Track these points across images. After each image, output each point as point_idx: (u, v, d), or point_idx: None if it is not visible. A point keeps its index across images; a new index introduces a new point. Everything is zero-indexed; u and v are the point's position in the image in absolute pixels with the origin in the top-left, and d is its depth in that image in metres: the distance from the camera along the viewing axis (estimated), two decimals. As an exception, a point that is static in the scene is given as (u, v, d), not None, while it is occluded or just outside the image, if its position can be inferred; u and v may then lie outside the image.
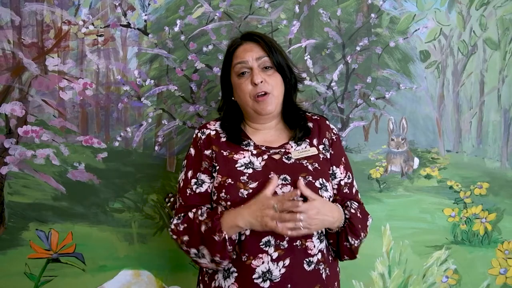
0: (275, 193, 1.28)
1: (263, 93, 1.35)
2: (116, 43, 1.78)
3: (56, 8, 1.74)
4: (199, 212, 1.32)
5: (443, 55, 1.91)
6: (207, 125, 1.45)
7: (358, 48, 1.86)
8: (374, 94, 1.89)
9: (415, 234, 1.92)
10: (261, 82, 1.35)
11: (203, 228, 1.28)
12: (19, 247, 1.77)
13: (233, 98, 1.43)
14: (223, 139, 1.40)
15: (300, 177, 1.29)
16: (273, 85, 1.37)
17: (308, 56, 1.86)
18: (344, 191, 1.43)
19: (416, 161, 1.93)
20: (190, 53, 1.80)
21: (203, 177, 1.37)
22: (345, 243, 1.35)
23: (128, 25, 1.78)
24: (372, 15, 1.86)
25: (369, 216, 1.45)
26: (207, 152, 1.38)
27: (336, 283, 1.39)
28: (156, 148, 1.82)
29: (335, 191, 1.42)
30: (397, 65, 1.89)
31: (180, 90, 1.81)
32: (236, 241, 1.28)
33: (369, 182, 1.91)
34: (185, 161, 1.43)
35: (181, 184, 1.40)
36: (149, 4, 1.78)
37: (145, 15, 1.78)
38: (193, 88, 1.82)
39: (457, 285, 1.95)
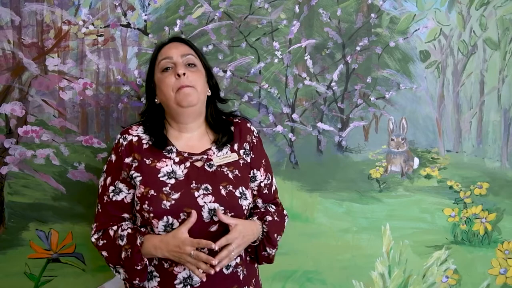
0: (198, 206, 1.30)
1: (186, 85, 1.35)
2: (116, 43, 1.78)
3: (56, 8, 1.74)
4: (119, 232, 1.35)
5: (443, 55, 1.91)
6: (129, 130, 1.44)
7: (358, 48, 1.86)
8: (374, 94, 1.89)
9: (415, 234, 1.92)
10: (184, 74, 1.35)
11: (123, 254, 1.32)
12: (19, 247, 1.77)
13: (156, 100, 1.43)
14: (145, 146, 1.39)
15: (218, 207, 1.31)
16: (196, 80, 1.38)
17: (308, 56, 1.86)
18: (264, 192, 1.49)
19: (416, 161, 1.93)
20: (190, 53, 1.80)
21: (121, 186, 1.38)
22: (263, 253, 1.42)
23: (128, 25, 1.78)
24: (372, 15, 1.86)
25: (286, 216, 1.53)
26: (128, 160, 1.38)
27: (253, 280, 1.45)
28: (156, 148, 1.82)
29: (255, 192, 1.47)
30: (397, 65, 1.89)
31: (180, 90, 1.81)
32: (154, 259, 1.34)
33: (369, 182, 1.91)
34: (105, 166, 1.43)
35: (100, 190, 1.42)
36: (149, 4, 1.78)
37: (145, 15, 1.78)
38: (193, 88, 1.82)
39: (457, 285, 1.95)
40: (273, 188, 1.53)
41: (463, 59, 1.91)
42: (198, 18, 1.80)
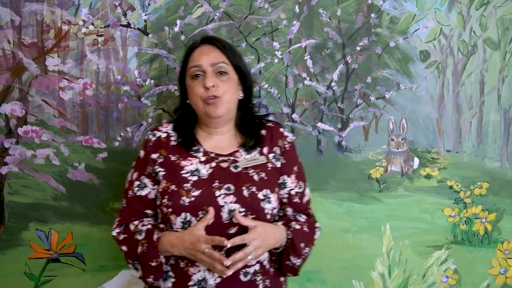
0: (218, 206, 1.28)
1: (213, 96, 1.34)
2: (116, 43, 1.78)
3: (56, 8, 1.74)
4: (139, 227, 1.35)
5: (443, 55, 1.91)
6: (159, 127, 1.45)
7: (358, 48, 1.86)
8: (374, 94, 1.89)
9: (415, 234, 1.92)
10: (213, 86, 1.33)
11: (139, 249, 1.31)
12: (19, 247, 1.77)
13: (187, 101, 1.42)
14: (173, 143, 1.40)
15: (237, 209, 1.28)
16: (224, 90, 1.36)
17: (308, 56, 1.86)
18: (295, 200, 1.43)
19: (416, 161, 1.93)
20: (190, 53, 1.80)
21: (146, 181, 1.39)
22: (287, 262, 1.36)
23: (128, 25, 1.78)
24: (372, 15, 1.86)
25: (317, 229, 1.47)
26: (154, 155, 1.39)
27: None
28: (156, 148, 1.82)
29: (285, 200, 1.42)
30: (397, 65, 1.89)
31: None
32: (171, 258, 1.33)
33: (369, 182, 1.91)
34: (134, 162, 1.44)
35: (126, 185, 1.43)
36: (149, 4, 1.78)
37: (145, 15, 1.78)
38: (193, 88, 1.82)
39: (457, 285, 1.95)
40: (306, 198, 1.47)
41: (463, 59, 1.91)
42: (198, 18, 1.80)
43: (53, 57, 1.75)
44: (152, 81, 1.80)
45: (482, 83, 1.93)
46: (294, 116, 1.87)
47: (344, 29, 1.86)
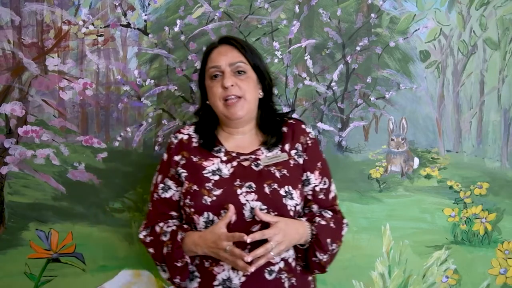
0: (240, 204, 1.28)
1: (233, 97, 1.34)
2: (116, 43, 1.78)
3: (56, 8, 1.74)
4: (164, 228, 1.36)
5: (443, 55, 1.91)
6: (182, 129, 1.46)
7: (358, 48, 1.86)
8: (374, 94, 1.89)
9: (415, 234, 1.92)
10: (232, 85, 1.34)
11: (164, 250, 1.32)
12: (19, 247, 1.77)
13: (207, 102, 1.43)
14: (195, 144, 1.41)
15: (257, 206, 1.27)
16: (245, 90, 1.36)
17: (308, 56, 1.86)
18: (320, 197, 1.42)
19: (416, 161, 1.93)
20: (190, 53, 1.80)
21: (170, 183, 1.40)
22: (313, 259, 1.34)
23: (128, 25, 1.78)
24: (372, 15, 1.86)
25: (345, 225, 1.44)
26: (177, 157, 1.40)
27: None
28: (156, 148, 1.82)
29: (310, 197, 1.41)
30: (397, 65, 1.89)
31: (180, 90, 1.81)
32: (196, 258, 1.33)
33: (369, 182, 1.91)
34: (159, 165, 1.46)
35: (152, 188, 1.45)
36: (149, 4, 1.78)
37: (145, 15, 1.78)
38: (193, 88, 1.82)
39: (457, 285, 1.95)
40: (332, 194, 1.45)
41: (463, 59, 1.91)
42: (198, 18, 1.80)
43: (53, 57, 1.75)
44: (152, 81, 1.80)
45: (482, 83, 1.93)
46: (294, 116, 1.87)
47: (344, 29, 1.86)
